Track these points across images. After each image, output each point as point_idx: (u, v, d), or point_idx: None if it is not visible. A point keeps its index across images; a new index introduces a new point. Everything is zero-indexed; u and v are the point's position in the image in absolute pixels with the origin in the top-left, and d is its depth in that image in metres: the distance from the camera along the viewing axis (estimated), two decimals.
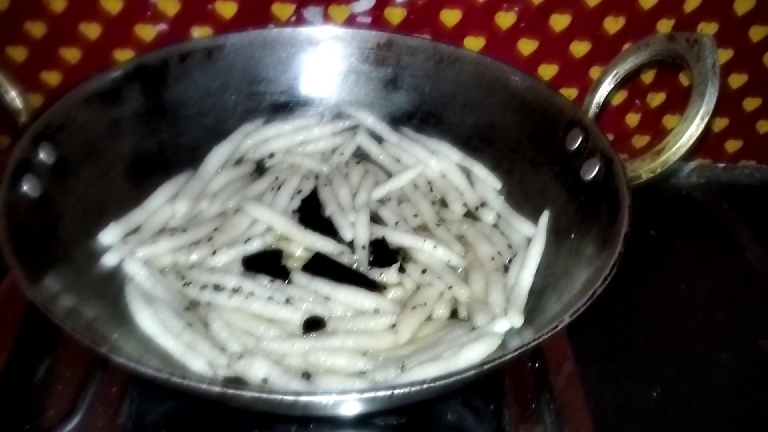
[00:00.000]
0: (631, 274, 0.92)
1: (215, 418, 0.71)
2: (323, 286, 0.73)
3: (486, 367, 0.49)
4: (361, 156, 0.93)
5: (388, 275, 0.76)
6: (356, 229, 0.80)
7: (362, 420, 0.70)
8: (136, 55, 0.92)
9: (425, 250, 0.78)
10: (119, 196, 0.79)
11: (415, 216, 0.85)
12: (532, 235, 0.77)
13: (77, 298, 0.63)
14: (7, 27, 0.92)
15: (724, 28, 0.98)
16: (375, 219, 0.84)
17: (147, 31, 0.95)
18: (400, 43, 0.90)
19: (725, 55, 1.01)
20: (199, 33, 0.95)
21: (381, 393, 0.48)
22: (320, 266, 0.76)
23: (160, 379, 0.48)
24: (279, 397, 0.47)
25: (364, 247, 0.79)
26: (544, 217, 0.77)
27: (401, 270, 0.77)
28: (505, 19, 0.96)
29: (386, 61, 0.91)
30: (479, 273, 0.76)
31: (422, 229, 0.84)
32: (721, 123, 1.10)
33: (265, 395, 0.47)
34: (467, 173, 0.89)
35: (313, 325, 0.71)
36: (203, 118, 0.89)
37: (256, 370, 0.63)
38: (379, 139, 0.93)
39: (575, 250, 0.72)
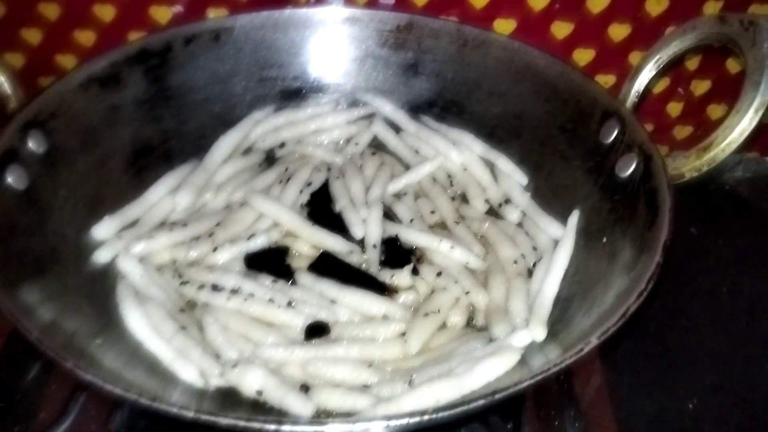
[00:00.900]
0: (668, 276, 0.89)
1: (210, 427, 0.67)
2: (329, 289, 0.71)
3: (498, 396, 0.45)
4: (377, 146, 0.91)
5: (399, 278, 0.73)
6: (367, 226, 0.77)
7: None
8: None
9: (441, 250, 0.75)
10: (117, 189, 0.77)
11: (433, 212, 0.82)
12: (560, 237, 0.74)
13: (61, 301, 0.61)
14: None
15: None
16: (389, 215, 0.81)
17: (162, 13, 0.94)
18: (422, 25, 0.88)
19: None
20: (216, 14, 0.93)
21: (362, 426, 0.43)
22: (327, 266, 0.73)
23: (129, 399, 0.43)
24: (258, 425, 0.42)
25: (375, 245, 0.76)
26: (574, 218, 0.73)
27: (414, 272, 0.74)
28: (538, 0, 0.93)
29: (406, 45, 0.89)
30: (500, 278, 0.73)
31: (440, 227, 0.81)
32: None
33: (242, 423, 0.43)
34: (491, 167, 0.86)
35: (316, 331, 0.68)
36: (210, 104, 0.87)
37: (251, 381, 0.61)
38: (396, 128, 0.91)
39: (608, 255, 0.68)
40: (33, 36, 0.94)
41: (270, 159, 0.89)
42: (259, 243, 0.75)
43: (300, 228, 0.76)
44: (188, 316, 0.68)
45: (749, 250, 0.96)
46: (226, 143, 0.84)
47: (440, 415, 0.45)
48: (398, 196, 0.84)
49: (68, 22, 0.93)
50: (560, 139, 0.80)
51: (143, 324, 0.64)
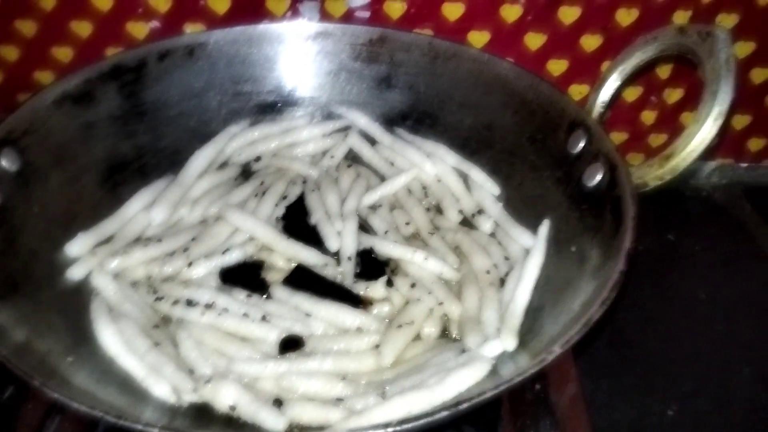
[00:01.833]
0: (646, 281, 0.90)
1: None
2: (303, 302, 0.70)
3: (462, 407, 0.44)
4: (353, 159, 0.91)
5: (374, 289, 0.73)
6: (342, 238, 0.77)
7: None
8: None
9: (415, 261, 0.75)
10: (91, 205, 0.77)
11: (408, 224, 0.82)
12: (531, 247, 0.73)
13: (34, 318, 0.60)
14: None
15: (745, 19, 0.94)
16: (365, 227, 0.81)
17: (139, 29, 0.94)
18: (394, 39, 0.87)
19: (747, 48, 0.97)
20: (192, 30, 0.94)
21: None
22: (302, 279, 0.73)
23: (96, 416, 0.43)
24: None
25: (350, 258, 0.76)
26: (544, 227, 0.73)
27: (389, 284, 0.74)
28: (511, 12, 0.93)
29: (379, 58, 0.89)
30: (473, 288, 0.73)
31: (415, 238, 0.81)
32: (743, 120, 1.06)
33: None
34: (464, 178, 0.86)
35: (291, 344, 0.67)
36: (185, 119, 0.86)
37: (224, 396, 0.60)
38: (371, 140, 0.90)
39: (577, 263, 0.68)
40: (10, 53, 0.94)
41: (246, 173, 0.88)
42: (234, 257, 0.74)
43: (275, 241, 0.76)
44: (162, 332, 0.67)
45: (726, 255, 0.97)
46: (201, 158, 0.84)
47: (404, 427, 0.45)
48: (374, 207, 0.83)
49: (46, 39, 0.93)
50: (530, 150, 0.80)
51: (116, 340, 0.63)
